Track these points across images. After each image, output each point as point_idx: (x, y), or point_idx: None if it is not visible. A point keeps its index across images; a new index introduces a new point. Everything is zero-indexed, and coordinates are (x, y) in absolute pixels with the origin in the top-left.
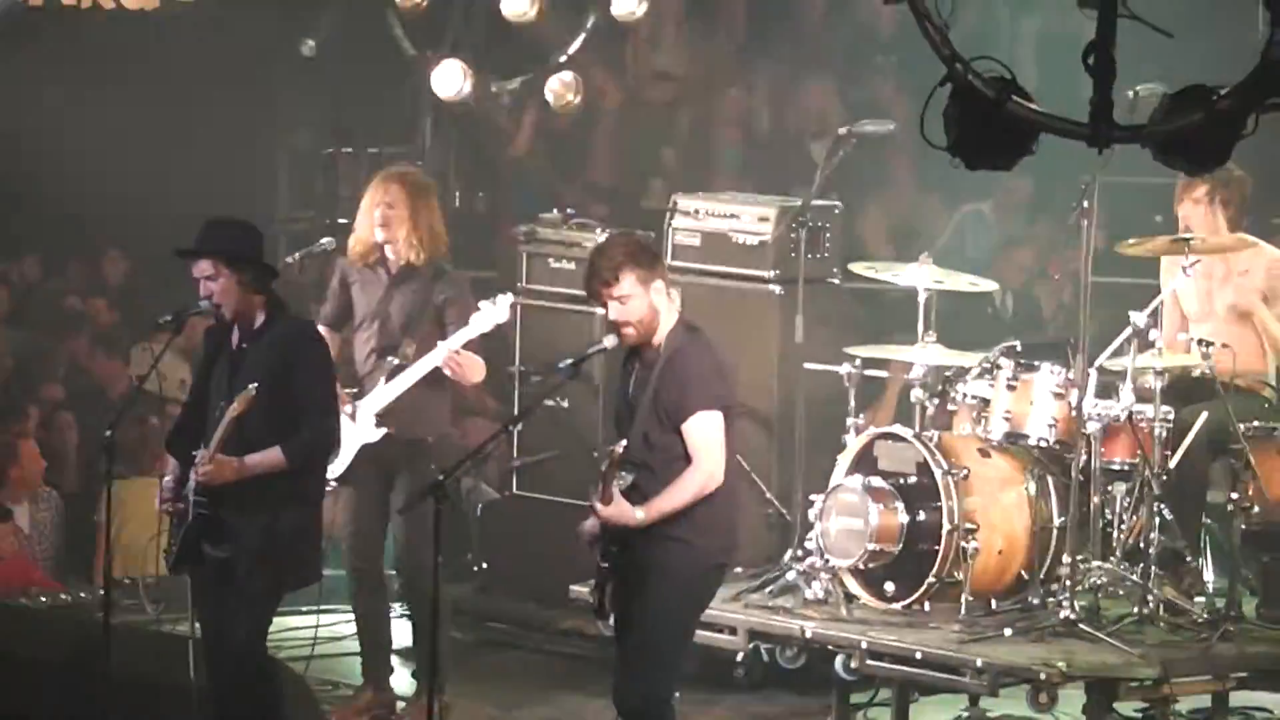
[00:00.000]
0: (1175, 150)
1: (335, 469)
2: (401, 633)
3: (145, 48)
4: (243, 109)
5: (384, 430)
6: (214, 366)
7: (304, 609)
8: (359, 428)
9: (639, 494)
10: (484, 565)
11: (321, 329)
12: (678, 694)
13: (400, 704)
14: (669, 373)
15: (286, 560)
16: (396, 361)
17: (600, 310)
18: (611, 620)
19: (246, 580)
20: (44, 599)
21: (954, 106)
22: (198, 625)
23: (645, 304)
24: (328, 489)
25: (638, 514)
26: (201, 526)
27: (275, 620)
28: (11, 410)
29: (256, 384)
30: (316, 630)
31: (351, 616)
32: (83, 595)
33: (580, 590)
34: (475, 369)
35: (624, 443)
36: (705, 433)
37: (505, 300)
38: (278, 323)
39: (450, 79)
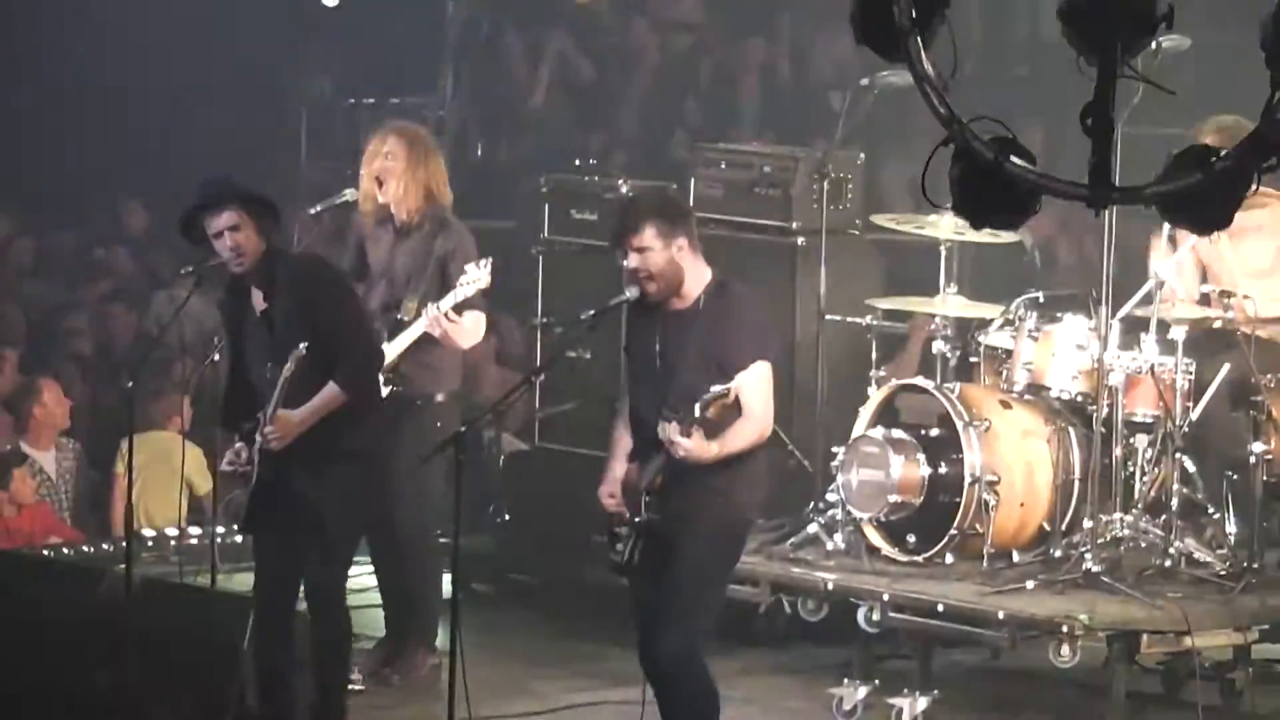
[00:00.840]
0: (1177, 211)
1: None
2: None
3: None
4: (264, 59)
5: (392, 388)
6: (241, 332)
7: None
8: None
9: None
10: (506, 517)
11: None
12: None
13: (432, 661)
14: (720, 325)
15: (354, 511)
16: (399, 317)
17: (621, 260)
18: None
19: (325, 534)
20: (66, 550)
21: (955, 167)
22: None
23: (665, 258)
24: None
25: (712, 447)
26: (266, 489)
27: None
28: (36, 358)
29: (305, 344)
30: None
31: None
32: (104, 547)
33: (604, 541)
34: (464, 333)
35: (728, 386)
36: (759, 384)
37: (487, 265)
38: (285, 270)
39: None
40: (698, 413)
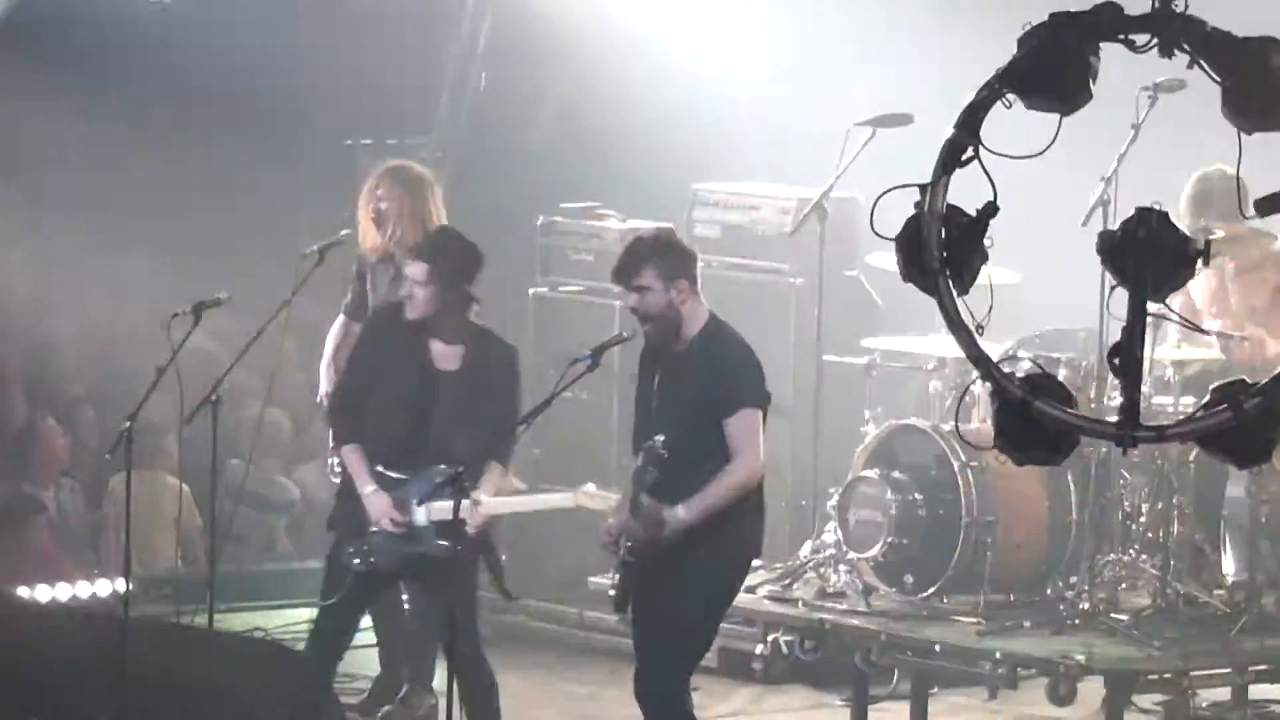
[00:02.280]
0: (1211, 445)
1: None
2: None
3: (166, 38)
4: (262, 99)
5: None
6: (396, 371)
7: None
8: None
9: (668, 489)
10: (503, 557)
11: (341, 320)
12: (697, 687)
13: (429, 702)
14: (710, 368)
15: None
16: None
17: (618, 302)
18: (630, 611)
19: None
20: (64, 591)
21: (992, 401)
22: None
23: (664, 300)
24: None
25: (679, 513)
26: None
27: (282, 613)
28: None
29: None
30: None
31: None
32: (103, 588)
33: (599, 582)
34: None
35: (660, 438)
36: (748, 430)
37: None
38: (486, 350)
39: None
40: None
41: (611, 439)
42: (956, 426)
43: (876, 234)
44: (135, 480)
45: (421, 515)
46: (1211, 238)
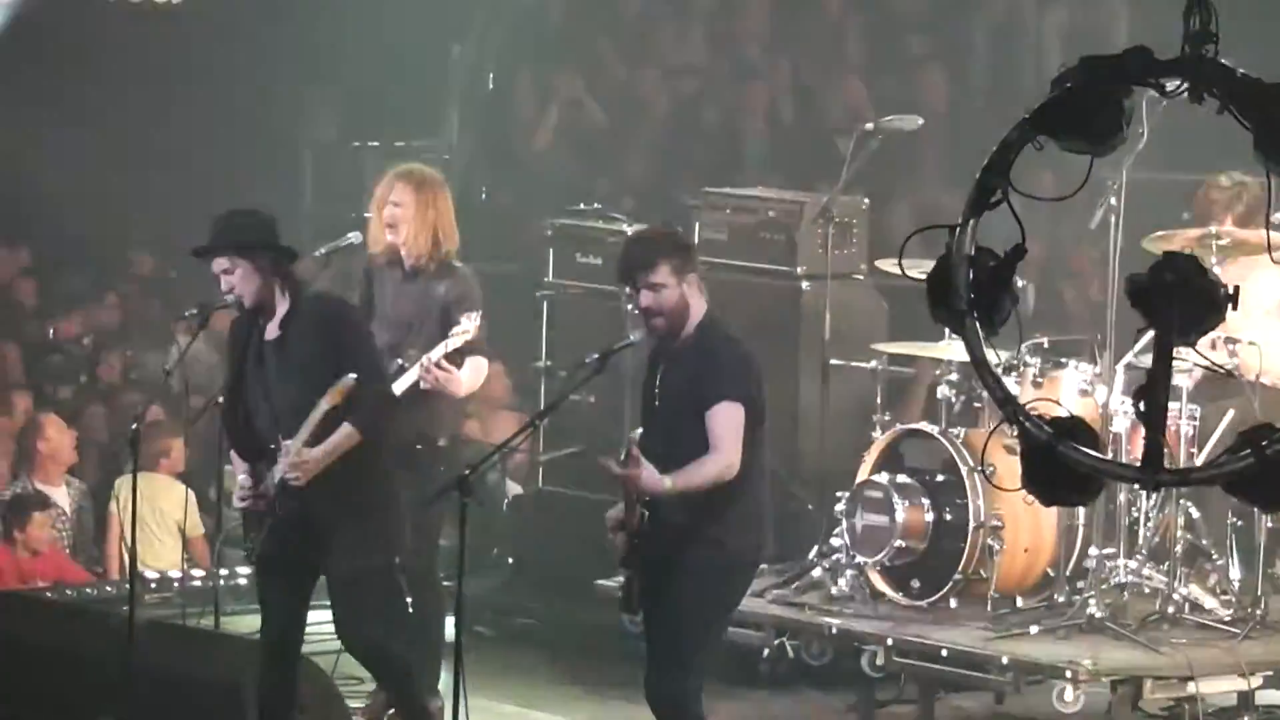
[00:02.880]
0: (1236, 490)
1: None
2: None
3: (169, 41)
4: (268, 103)
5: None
6: (245, 361)
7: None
8: None
9: None
10: (510, 560)
11: None
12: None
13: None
14: (698, 362)
15: (380, 538)
16: (400, 363)
17: (628, 305)
18: (640, 616)
19: (356, 569)
20: (69, 591)
21: (1020, 444)
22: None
23: (677, 294)
24: None
25: (666, 482)
26: (289, 522)
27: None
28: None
29: (354, 376)
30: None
31: None
32: (107, 589)
33: (606, 585)
34: (458, 382)
35: (639, 431)
36: (726, 423)
37: (476, 317)
38: (305, 303)
39: None
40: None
41: (619, 442)
42: (984, 472)
43: (905, 275)
44: (141, 482)
45: (271, 483)
46: (1220, 243)
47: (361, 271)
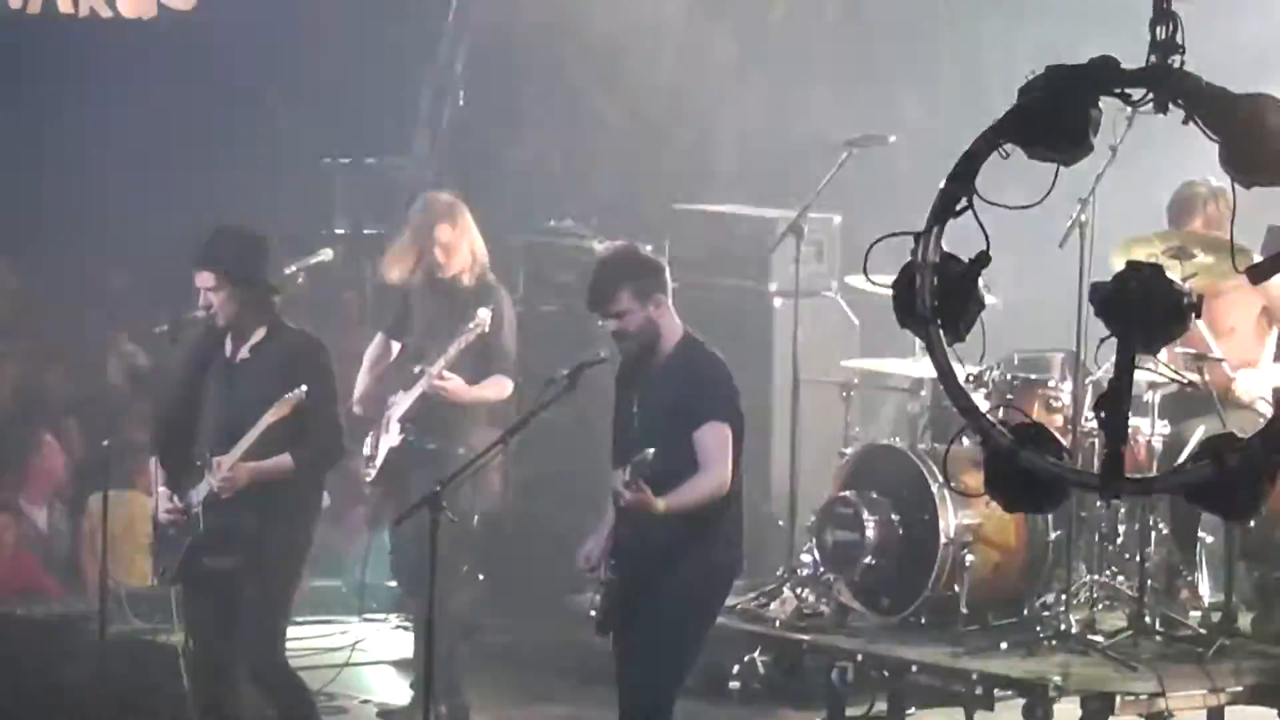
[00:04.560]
0: (1198, 498)
1: (371, 474)
2: (403, 643)
3: (143, 56)
4: (240, 118)
5: (404, 436)
6: (204, 376)
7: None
8: (389, 434)
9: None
10: (481, 576)
11: (379, 337)
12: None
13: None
14: (682, 380)
15: (296, 567)
16: (418, 370)
17: (601, 322)
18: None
19: (260, 589)
20: (39, 607)
21: (984, 450)
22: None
23: (641, 318)
24: (367, 490)
25: (659, 503)
26: (210, 536)
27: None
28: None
29: (305, 388)
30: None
31: (344, 628)
32: (79, 606)
33: (576, 599)
34: (464, 391)
35: (651, 451)
36: (716, 441)
37: (485, 313)
38: (281, 335)
39: None
40: (632, 472)
41: (589, 458)
42: (947, 480)
43: (870, 281)
44: (114, 499)
45: (195, 500)
46: (1192, 259)
47: (400, 288)
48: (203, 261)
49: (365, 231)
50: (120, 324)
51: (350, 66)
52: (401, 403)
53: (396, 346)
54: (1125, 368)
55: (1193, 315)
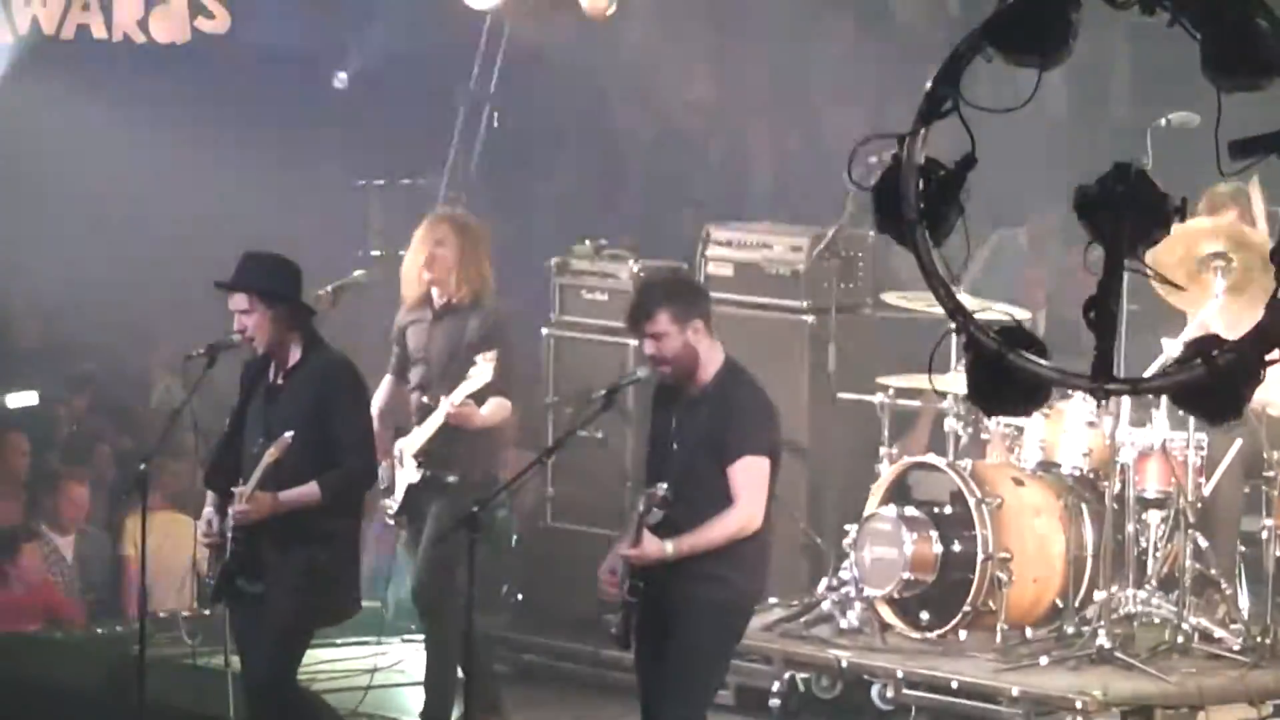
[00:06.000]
0: (1184, 401)
1: (392, 508)
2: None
3: (177, 80)
4: (274, 141)
5: (423, 471)
6: (250, 401)
7: (338, 641)
8: (405, 469)
9: (671, 529)
10: (519, 597)
11: (388, 379)
12: None
13: None
14: (721, 410)
15: (320, 597)
16: (426, 401)
17: (634, 341)
18: (633, 650)
19: (278, 615)
20: (75, 631)
21: (966, 355)
22: (235, 659)
23: (680, 342)
24: (389, 525)
25: (666, 547)
26: (238, 562)
27: (313, 652)
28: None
29: (291, 434)
30: (375, 664)
31: (388, 648)
32: (118, 629)
33: (613, 619)
34: (478, 418)
35: (664, 486)
36: (751, 477)
37: (492, 356)
38: (314, 359)
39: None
40: (635, 520)
41: (626, 478)
42: (930, 378)
43: (853, 183)
44: (152, 521)
45: (228, 525)
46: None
47: (395, 325)
48: (235, 283)
49: (400, 253)
50: (158, 349)
51: (383, 87)
52: (416, 437)
53: (403, 389)
54: (1114, 270)
55: (1176, 218)
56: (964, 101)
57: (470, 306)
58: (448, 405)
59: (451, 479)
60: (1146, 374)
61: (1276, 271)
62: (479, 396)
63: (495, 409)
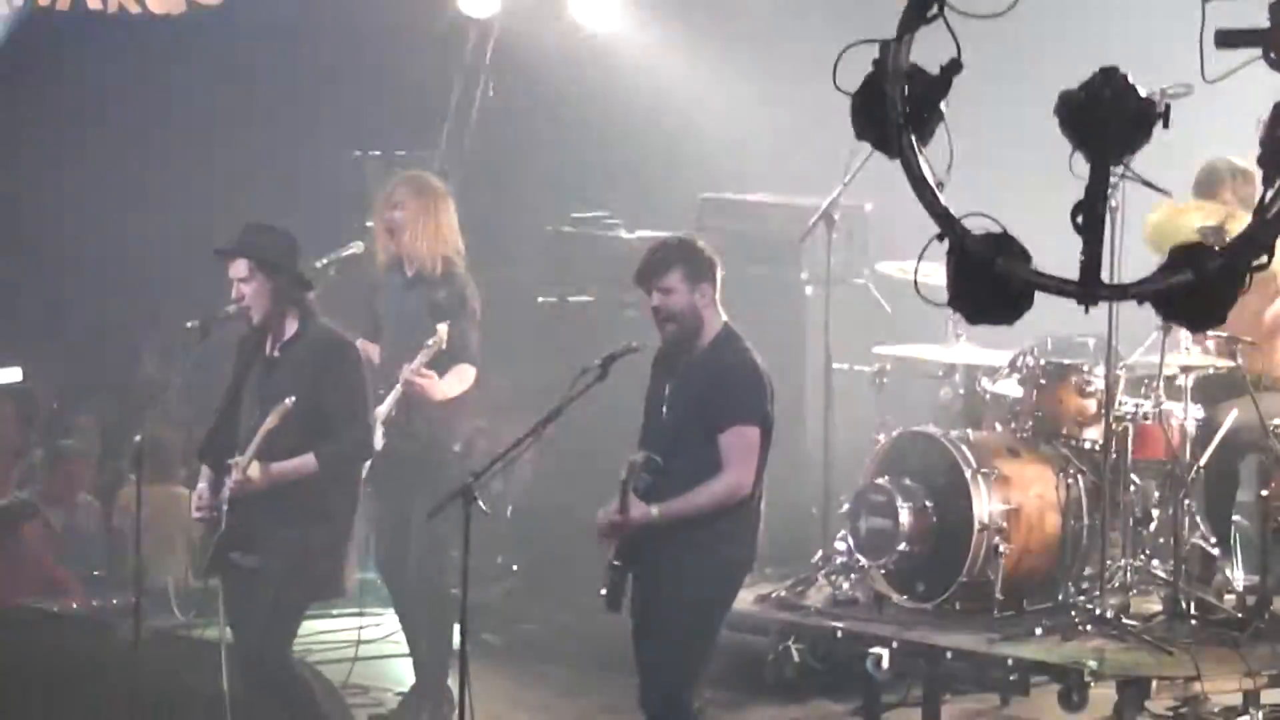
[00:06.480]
0: (1169, 308)
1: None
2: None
3: (172, 52)
4: (267, 112)
5: (385, 439)
6: (247, 374)
7: (334, 612)
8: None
9: (660, 496)
10: (515, 568)
11: (360, 341)
12: (707, 694)
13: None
14: (713, 378)
15: (314, 570)
16: (394, 370)
17: (629, 311)
18: (626, 613)
19: (273, 589)
20: (75, 604)
21: (950, 263)
22: (229, 631)
23: (686, 301)
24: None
25: (653, 511)
26: (232, 535)
27: (307, 623)
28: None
29: (293, 398)
30: (359, 634)
31: (381, 619)
32: (113, 601)
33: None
34: (438, 387)
35: (645, 453)
36: (741, 444)
37: (444, 327)
38: (309, 332)
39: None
40: (620, 489)
41: (621, 449)
42: (916, 281)
43: (838, 89)
44: (147, 494)
45: (223, 498)
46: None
47: (370, 284)
48: (235, 250)
49: None
50: (154, 320)
51: (379, 59)
52: (381, 406)
53: (377, 350)
54: (1101, 175)
55: (1161, 125)
56: (949, 6)
57: (443, 278)
58: (405, 373)
59: (416, 446)
60: (1141, 347)
61: (1263, 176)
62: (439, 367)
63: (456, 378)
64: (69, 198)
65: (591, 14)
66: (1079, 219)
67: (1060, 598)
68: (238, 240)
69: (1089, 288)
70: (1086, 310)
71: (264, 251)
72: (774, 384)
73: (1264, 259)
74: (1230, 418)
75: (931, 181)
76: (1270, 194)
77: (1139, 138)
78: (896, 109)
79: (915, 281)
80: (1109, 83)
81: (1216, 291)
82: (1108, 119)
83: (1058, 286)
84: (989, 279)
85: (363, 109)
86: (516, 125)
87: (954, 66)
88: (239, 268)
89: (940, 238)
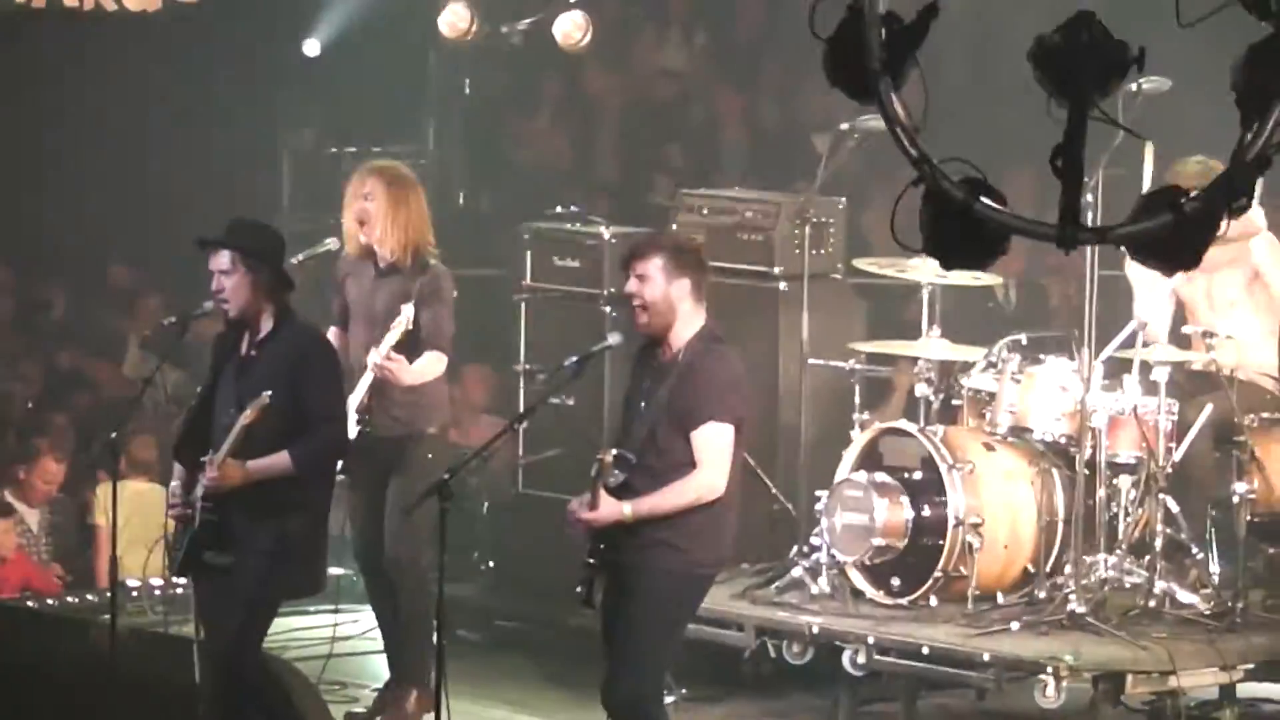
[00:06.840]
0: (1146, 251)
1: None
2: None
3: (148, 50)
4: (245, 110)
5: (359, 428)
6: (221, 373)
7: (311, 609)
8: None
9: (631, 493)
10: (491, 564)
11: (333, 330)
12: (683, 690)
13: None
14: (688, 377)
15: (289, 568)
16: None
17: (606, 308)
18: (599, 609)
19: (246, 588)
20: (50, 601)
21: (926, 208)
22: (202, 629)
23: (662, 291)
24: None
25: (625, 509)
26: (206, 532)
27: (284, 620)
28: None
29: (270, 392)
30: (334, 631)
31: (359, 615)
32: (89, 598)
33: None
34: (410, 372)
35: (614, 451)
36: (714, 443)
37: (409, 308)
38: (285, 330)
39: (456, 19)
40: (590, 485)
41: (598, 445)
42: (895, 236)
43: (815, 35)
44: (121, 490)
45: (196, 496)
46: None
47: (339, 273)
48: (222, 242)
49: None
50: (130, 319)
51: (356, 55)
52: (355, 394)
53: (345, 338)
54: (1078, 117)
55: (1137, 66)
56: None
57: (414, 269)
58: (374, 359)
59: (392, 435)
60: (1115, 342)
61: (1241, 118)
62: (411, 355)
63: (427, 364)
64: (45, 195)
65: (570, 34)
66: (1058, 162)
67: (1035, 593)
68: (225, 232)
69: (1067, 231)
70: (1067, 252)
71: (250, 243)
72: (750, 381)
73: (1242, 200)
74: (1205, 412)
75: (908, 125)
76: (1249, 137)
77: (1115, 80)
78: (874, 55)
79: (892, 226)
80: (1086, 25)
81: (1194, 233)
82: (1082, 63)
83: (1036, 230)
84: (965, 223)
85: (339, 104)
86: (494, 121)
87: (931, 10)
88: (221, 260)
89: (916, 182)
